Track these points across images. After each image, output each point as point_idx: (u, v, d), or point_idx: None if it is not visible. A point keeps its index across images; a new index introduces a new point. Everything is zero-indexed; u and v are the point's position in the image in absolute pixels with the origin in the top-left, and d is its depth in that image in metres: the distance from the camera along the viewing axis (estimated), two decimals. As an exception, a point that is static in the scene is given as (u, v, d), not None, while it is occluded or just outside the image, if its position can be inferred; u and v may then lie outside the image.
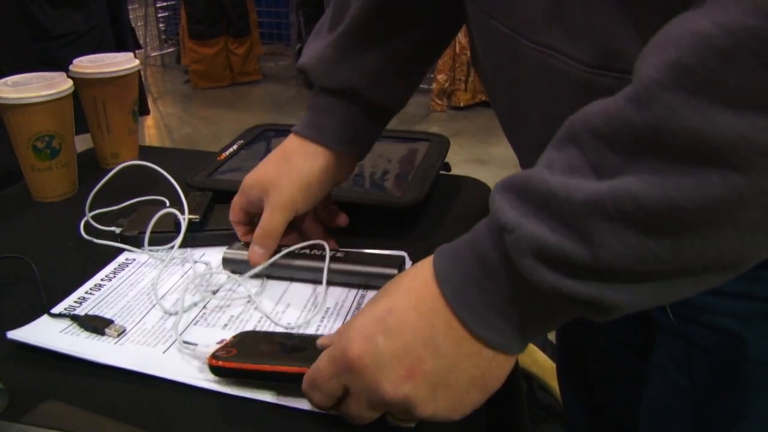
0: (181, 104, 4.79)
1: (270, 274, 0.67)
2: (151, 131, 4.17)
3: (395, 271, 0.64)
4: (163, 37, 6.01)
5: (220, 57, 4.94)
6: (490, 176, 3.25)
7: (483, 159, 3.47)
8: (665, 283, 0.36)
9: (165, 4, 5.75)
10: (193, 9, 4.75)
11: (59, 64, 1.03)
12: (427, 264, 0.45)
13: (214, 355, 0.51)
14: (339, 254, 0.66)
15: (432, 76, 4.22)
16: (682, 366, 0.56)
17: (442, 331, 0.42)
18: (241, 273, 0.66)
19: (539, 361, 1.30)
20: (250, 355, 0.52)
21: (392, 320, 0.43)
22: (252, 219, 0.68)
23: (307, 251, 0.67)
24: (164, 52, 5.86)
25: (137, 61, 0.95)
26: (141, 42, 5.12)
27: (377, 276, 0.64)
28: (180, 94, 5.03)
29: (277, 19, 5.86)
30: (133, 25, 2.97)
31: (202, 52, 4.88)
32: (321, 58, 0.65)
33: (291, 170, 0.65)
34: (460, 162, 3.42)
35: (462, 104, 4.27)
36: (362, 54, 0.64)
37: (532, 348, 1.32)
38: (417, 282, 0.44)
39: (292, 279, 0.67)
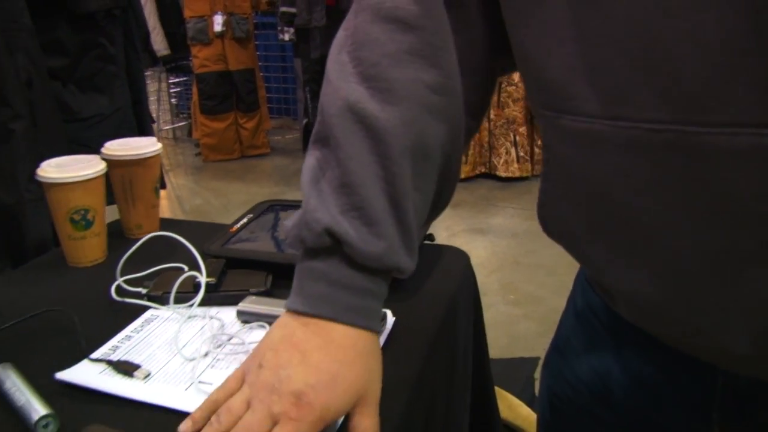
0: (192, 176, 4.97)
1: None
2: (163, 202, 4.33)
3: None
4: (175, 111, 6.24)
5: (230, 131, 5.15)
6: (488, 245, 3.37)
7: (482, 229, 3.59)
8: None
9: (177, 80, 5.97)
10: (205, 85, 4.98)
11: (86, 143, 1.17)
12: None
13: None
14: None
15: (433, 149, 4.39)
16: None
17: None
18: (250, 322, 0.79)
19: (523, 415, 1.39)
20: None
21: None
22: None
23: None
24: (176, 126, 6.08)
25: (160, 145, 1.09)
26: (154, 116, 5.34)
27: None
28: (191, 166, 5.22)
29: (285, 94, 6.11)
30: (148, 101, 3.17)
31: (212, 127, 5.09)
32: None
33: (375, 366, 0.58)
34: (460, 232, 3.55)
35: (462, 176, 4.42)
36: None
37: (516, 402, 1.41)
38: None
39: None
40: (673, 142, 0.41)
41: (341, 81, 0.57)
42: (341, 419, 0.59)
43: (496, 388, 1.65)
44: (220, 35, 4.88)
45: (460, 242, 3.59)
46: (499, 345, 2.31)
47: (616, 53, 0.42)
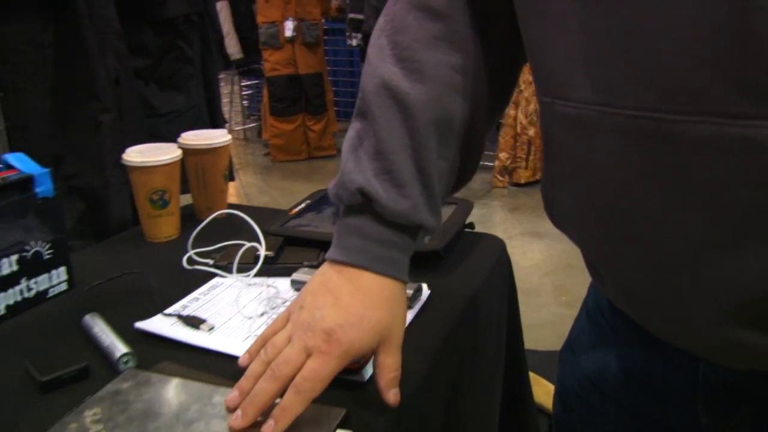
0: (261, 175, 5.16)
1: None
2: (232, 199, 4.47)
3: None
4: (246, 113, 6.45)
5: (298, 133, 5.31)
6: (544, 248, 3.41)
7: (540, 232, 3.64)
8: None
9: (249, 83, 6.17)
10: (275, 88, 5.15)
11: (164, 137, 1.30)
12: None
13: None
14: None
15: (494, 154, 4.46)
16: None
17: None
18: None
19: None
20: None
21: None
22: None
23: None
24: (247, 126, 6.30)
25: (230, 136, 1.21)
26: (226, 117, 5.56)
27: None
28: (260, 165, 5.42)
29: (352, 99, 6.23)
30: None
31: (281, 128, 5.26)
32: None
33: (399, 312, 0.66)
34: (517, 235, 3.61)
35: (523, 181, 4.48)
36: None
37: (552, 387, 1.48)
38: None
39: None
40: (650, 129, 0.44)
41: (379, 61, 0.65)
42: (370, 373, 0.69)
43: (536, 376, 1.72)
44: (291, 40, 5.03)
45: (516, 244, 3.65)
46: (548, 343, 2.36)
47: (610, 44, 0.45)
